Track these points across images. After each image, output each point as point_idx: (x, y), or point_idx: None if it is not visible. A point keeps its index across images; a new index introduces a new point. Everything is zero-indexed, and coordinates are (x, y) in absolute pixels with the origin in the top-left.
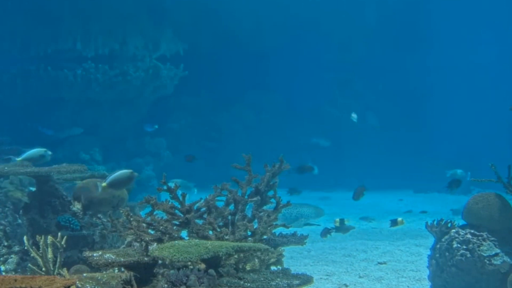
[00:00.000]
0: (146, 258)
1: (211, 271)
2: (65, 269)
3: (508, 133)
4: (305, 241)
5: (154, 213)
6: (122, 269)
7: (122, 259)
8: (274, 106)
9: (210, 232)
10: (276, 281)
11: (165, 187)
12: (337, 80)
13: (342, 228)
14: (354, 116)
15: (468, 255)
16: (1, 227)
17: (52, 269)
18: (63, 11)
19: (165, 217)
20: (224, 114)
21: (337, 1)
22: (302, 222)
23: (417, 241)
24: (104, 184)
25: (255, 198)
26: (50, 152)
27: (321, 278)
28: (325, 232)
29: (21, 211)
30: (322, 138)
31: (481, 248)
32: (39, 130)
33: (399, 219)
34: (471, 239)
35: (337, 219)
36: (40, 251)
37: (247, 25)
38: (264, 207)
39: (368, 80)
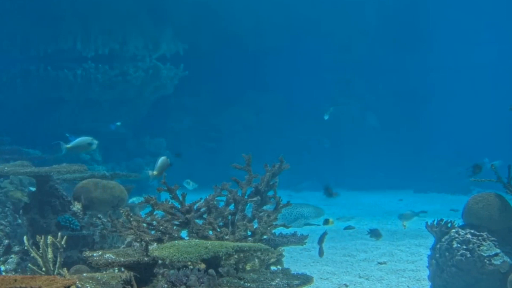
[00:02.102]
0: (146, 258)
1: (211, 271)
2: (65, 269)
3: (508, 133)
4: (305, 241)
5: (154, 213)
6: (122, 269)
7: (122, 259)
8: (274, 106)
9: (210, 232)
10: (276, 281)
11: (165, 187)
12: (337, 80)
13: (374, 233)
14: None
15: (468, 255)
16: (1, 227)
17: (52, 269)
18: (63, 11)
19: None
20: (224, 114)
21: (337, 1)
22: (302, 222)
23: (417, 241)
24: (155, 172)
25: (255, 198)
26: (96, 141)
27: (321, 278)
28: (321, 238)
29: (21, 211)
30: (325, 138)
31: (481, 248)
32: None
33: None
34: (471, 239)
35: (328, 219)
36: (40, 251)
37: (247, 25)
38: (264, 207)
39: (368, 80)
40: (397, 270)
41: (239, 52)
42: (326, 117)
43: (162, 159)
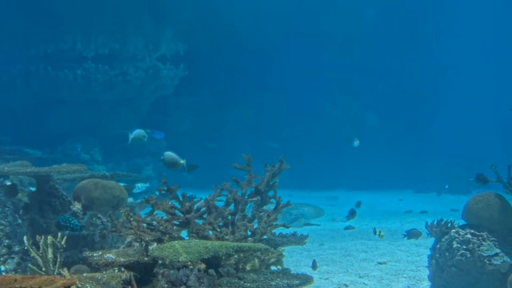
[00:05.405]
0: (146, 258)
1: (211, 271)
2: (65, 269)
3: (508, 133)
4: (305, 241)
5: (154, 213)
6: (122, 269)
7: (122, 259)
8: (274, 106)
9: (210, 232)
10: (276, 281)
11: (165, 187)
12: (337, 80)
13: (413, 234)
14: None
15: (468, 255)
16: (1, 227)
17: (52, 269)
18: (63, 11)
19: (165, 217)
20: (224, 114)
21: (337, 1)
22: (302, 222)
23: (417, 241)
24: (182, 161)
25: (255, 198)
26: (147, 135)
27: (321, 278)
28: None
29: (21, 211)
30: (273, 141)
31: (481, 248)
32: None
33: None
34: (471, 239)
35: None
36: (40, 251)
37: (247, 25)
38: (264, 207)
39: (368, 80)
40: (397, 270)
41: (239, 52)
42: (356, 144)
43: (170, 154)
